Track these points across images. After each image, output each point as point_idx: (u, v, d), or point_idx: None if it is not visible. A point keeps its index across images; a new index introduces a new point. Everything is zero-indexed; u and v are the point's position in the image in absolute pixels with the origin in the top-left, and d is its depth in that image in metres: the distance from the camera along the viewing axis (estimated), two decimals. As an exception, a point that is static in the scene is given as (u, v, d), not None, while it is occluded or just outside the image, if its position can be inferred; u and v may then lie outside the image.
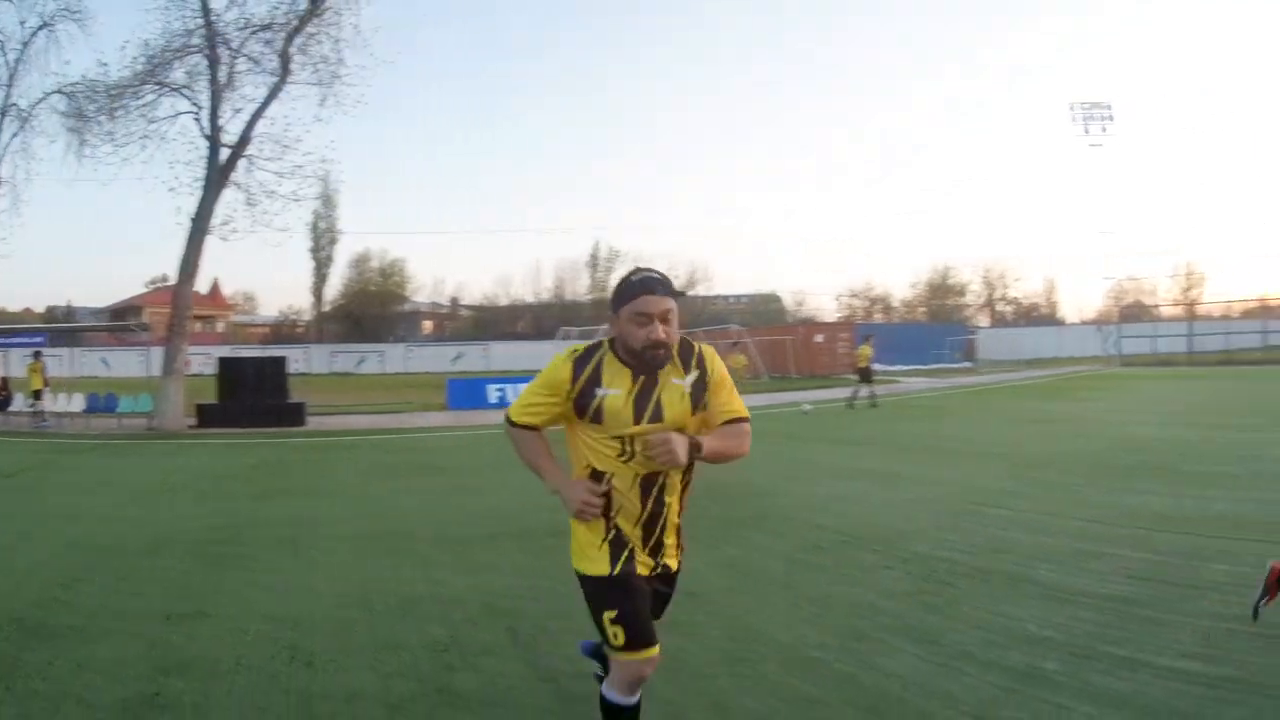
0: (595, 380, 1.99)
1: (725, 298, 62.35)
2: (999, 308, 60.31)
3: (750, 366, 19.52)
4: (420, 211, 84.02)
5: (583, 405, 1.99)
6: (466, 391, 19.27)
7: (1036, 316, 58.43)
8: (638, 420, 1.98)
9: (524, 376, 21.87)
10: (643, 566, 2.06)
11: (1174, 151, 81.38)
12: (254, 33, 14.93)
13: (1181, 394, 17.69)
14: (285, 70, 15.24)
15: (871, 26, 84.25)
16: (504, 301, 61.22)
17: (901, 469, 8.37)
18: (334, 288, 57.34)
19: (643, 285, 1.95)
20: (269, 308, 64.52)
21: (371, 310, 56.09)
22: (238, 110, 15.35)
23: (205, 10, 14.76)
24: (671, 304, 1.95)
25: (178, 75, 15.03)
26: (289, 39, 15.15)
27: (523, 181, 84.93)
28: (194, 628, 3.58)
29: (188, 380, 15.39)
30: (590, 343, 2.09)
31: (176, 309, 15.51)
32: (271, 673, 3.03)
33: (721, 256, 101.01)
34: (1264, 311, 40.89)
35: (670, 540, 2.12)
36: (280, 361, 16.01)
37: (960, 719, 2.84)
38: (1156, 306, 52.91)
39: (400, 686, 2.95)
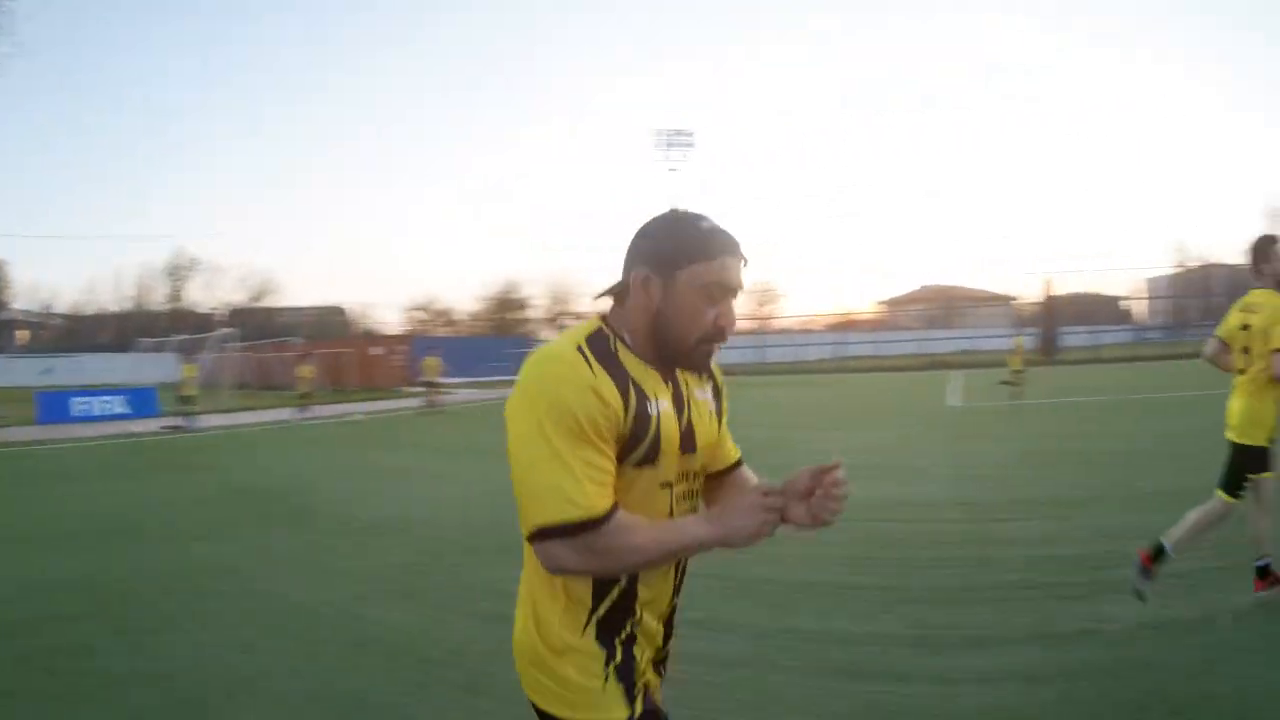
0: (641, 392, 1.23)
1: (292, 310, 61.62)
2: (564, 322, 63.62)
3: (314, 379, 20.33)
4: (22, 211, 73.36)
5: (637, 436, 1.21)
6: (54, 405, 20.52)
7: (605, 331, 63.25)
8: (683, 450, 1.30)
9: (107, 390, 21.62)
10: (654, 685, 1.37)
11: (751, 175, 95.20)
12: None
13: (733, 402, 21.84)
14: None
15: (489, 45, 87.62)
16: (91, 310, 56.15)
17: (437, 468, 10.13)
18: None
19: (723, 244, 1.23)
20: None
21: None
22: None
23: None
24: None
25: None
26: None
27: (116, 184, 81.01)
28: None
29: None
30: (584, 331, 1.27)
31: None
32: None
33: (292, 268, 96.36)
34: (847, 326, 45.08)
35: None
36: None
37: (438, 651, 3.55)
38: (729, 321, 59.58)
39: (23, 642, 4.12)
